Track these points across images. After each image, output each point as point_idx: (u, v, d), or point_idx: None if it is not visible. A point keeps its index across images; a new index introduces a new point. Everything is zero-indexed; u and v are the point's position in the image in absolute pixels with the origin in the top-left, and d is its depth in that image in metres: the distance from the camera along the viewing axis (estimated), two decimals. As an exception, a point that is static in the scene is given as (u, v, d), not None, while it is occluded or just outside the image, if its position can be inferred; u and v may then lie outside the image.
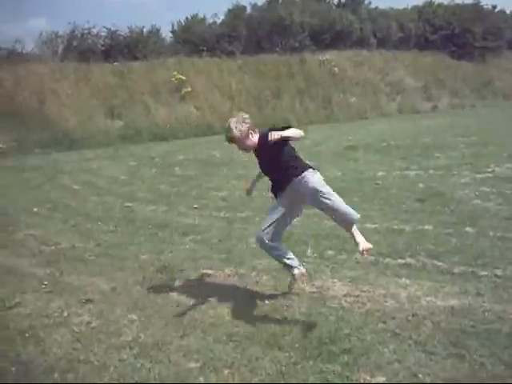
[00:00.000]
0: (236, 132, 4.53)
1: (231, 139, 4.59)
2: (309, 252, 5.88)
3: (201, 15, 26.33)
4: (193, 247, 6.44)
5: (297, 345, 3.90)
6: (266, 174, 4.93)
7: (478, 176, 9.31)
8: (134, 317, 4.55)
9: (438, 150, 12.25)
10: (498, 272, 5.10)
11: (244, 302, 4.74)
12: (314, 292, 4.83)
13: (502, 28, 30.62)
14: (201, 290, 5.09)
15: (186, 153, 14.90)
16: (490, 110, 23.52)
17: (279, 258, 4.71)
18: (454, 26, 29.37)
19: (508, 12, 34.00)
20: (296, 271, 4.64)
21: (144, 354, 3.91)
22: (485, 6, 31.28)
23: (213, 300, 4.81)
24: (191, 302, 4.81)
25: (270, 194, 5.00)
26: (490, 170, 9.80)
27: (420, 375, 3.51)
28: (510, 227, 6.45)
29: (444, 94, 26.68)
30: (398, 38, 28.99)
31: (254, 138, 4.64)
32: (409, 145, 13.48)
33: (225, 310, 4.56)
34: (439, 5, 31.49)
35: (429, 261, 5.45)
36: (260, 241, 4.64)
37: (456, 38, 29.41)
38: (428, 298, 4.59)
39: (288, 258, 4.68)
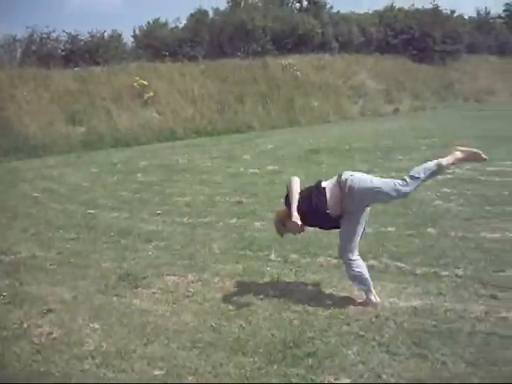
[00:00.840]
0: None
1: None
2: (273, 256, 5.88)
3: (163, 20, 26.20)
4: (156, 254, 6.37)
5: (261, 349, 3.89)
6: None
7: (439, 177, 9.42)
8: (97, 326, 4.48)
9: (399, 152, 12.41)
10: (459, 272, 5.18)
11: (208, 307, 4.71)
12: (278, 296, 4.83)
13: (461, 32, 31.22)
14: (164, 296, 5.04)
15: (148, 158, 14.76)
16: (450, 112, 23.94)
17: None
18: (414, 30, 29.81)
19: (466, 17, 34.79)
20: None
21: (107, 363, 3.85)
22: (444, 11, 31.84)
23: (176, 307, 4.77)
24: (154, 309, 4.76)
25: None
26: (450, 171, 9.95)
27: (384, 376, 3.53)
28: (470, 227, 6.56)
29: (405, 97, 27.06)
30: (359, 42, 29.29)
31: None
32: (371, 147, 13.63)
33: (188, 317, 4.52)
34: (400, 9, 31.94)
35: (391, 262, 5.51)
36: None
37: (416, 42, 29.86)
38: (391, 300, 4.63)
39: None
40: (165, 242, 6.86)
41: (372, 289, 4.57)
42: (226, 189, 9.74)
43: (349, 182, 4.38)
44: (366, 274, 4.54)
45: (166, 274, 5.62)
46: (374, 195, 4.43)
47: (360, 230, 4.56)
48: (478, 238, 6.15)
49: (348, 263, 4.53)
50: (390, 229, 6.64)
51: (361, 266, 4.54)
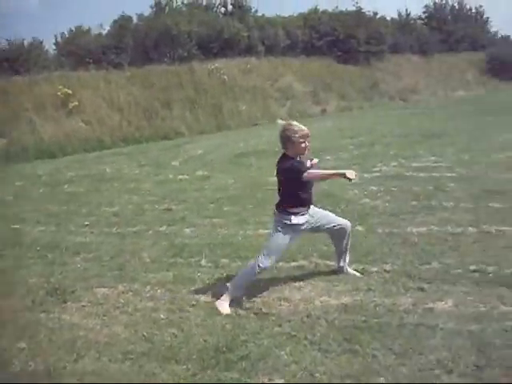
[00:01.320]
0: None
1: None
2: (203, 262, 5.85)
3: (86, 26, 25.61)
4: (84, 266, 6.22)
5: (194, 356, 3.87)
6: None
7: (367, 175, 9.68)
8: (23, 345, 4.32)
9: (327, 152, 12.60)
10: (387, 267, 5.32)
11: (139, 317, 4.64)
12: (209, 302, 4.81)
13: (384, 33, 32.06)
14: (94, 309, 4.93)
15: (75, 169, 14.38)
16: (376, 111, 24.55)
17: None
18: (338, 32, 30.31)
19: (388, 18, 35.72)
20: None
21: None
22: (367, 13, 32.59)
23: (107, 319, 4.69)
24: (84, 322, 4.65)
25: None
26: (377, 169, 10.23)
27: (317, 374, 3.58)
28: (397, 223, 6.75)
29: (332, 98, 27.51)
30: (285, 45, 29.56)
31: None
32: (299, 149, 13.77)
33: (119, 328, 4.45)
34: (324, 12, 32.45)
35: (321, 261, 5.60)
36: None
37: (341, 44, 30.38)
38: (322, 298, 4.70)
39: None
40: (93, 253, 6.70)
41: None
42: (154, 196, 9.62)
43: None
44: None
45: (95, 286, 5.50)
46: None
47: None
48: (404, 233, 6.34)
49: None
50: (319, 228, 6.73)
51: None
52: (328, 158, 11.95)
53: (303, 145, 4.70)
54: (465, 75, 33.64)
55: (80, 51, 23.45)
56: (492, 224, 6.43)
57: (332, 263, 5.47)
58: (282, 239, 4.74)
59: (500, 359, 3.59)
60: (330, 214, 5.16)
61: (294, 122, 4.80)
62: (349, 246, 5.20)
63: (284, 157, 4.75)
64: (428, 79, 32.07)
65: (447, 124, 16.65)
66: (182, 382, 3.58)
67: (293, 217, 4.69)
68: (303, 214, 4.76)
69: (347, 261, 5.26)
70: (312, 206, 4.90)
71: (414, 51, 35.00)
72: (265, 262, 4.70)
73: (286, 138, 4.66)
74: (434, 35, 35.46)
